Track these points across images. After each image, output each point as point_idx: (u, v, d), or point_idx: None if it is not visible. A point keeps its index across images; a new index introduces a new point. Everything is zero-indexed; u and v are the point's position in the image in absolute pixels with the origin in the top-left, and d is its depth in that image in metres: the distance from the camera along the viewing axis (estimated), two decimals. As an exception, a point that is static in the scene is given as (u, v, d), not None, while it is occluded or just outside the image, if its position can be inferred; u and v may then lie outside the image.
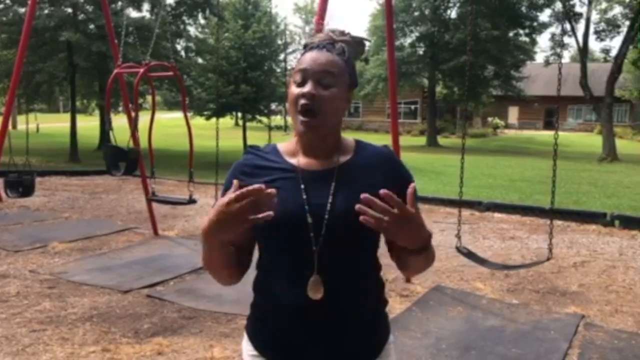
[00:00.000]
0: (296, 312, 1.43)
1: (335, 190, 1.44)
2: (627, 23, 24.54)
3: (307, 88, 1.41)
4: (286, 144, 1.57)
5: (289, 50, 27.36)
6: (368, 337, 1.52)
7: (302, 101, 1.41)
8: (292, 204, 1.42)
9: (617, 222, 8.47)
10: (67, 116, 22.80)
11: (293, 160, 1.51)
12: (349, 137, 1.57)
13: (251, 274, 1.57)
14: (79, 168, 15.23)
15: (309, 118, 1.42)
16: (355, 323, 1.47)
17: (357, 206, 1.24)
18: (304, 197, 1.43)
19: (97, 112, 25.87)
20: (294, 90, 1.44)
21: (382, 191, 1.24)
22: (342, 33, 1.50)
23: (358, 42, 1.52)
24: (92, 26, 18.70)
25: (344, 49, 1.47)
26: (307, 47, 1.51)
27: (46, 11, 17.60)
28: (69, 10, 18.39)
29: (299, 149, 1.52)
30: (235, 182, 1.30)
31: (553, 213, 4.87)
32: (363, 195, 1.24)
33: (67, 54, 18.10)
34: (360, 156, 1.52)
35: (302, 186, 1.45)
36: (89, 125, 26.88)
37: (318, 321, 1.43)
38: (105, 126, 7.02)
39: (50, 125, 33.71)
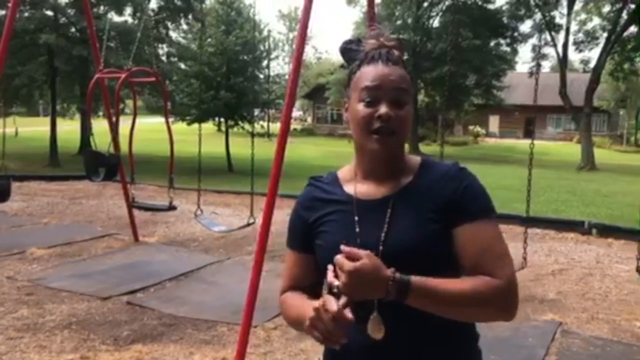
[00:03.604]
0: (362, 354, 1.32)
1: (391, 219, 1.32)
2: (605, 35, 25.02)
3: (383, 109, 1.30)
4: (346, 169, 1.47)
5: (272, 56, 27.34)
6: None
7: (378, 124, 1.31)
8: (344, 239, 1.30)
9: (594, 231, 8.59)
10: (46, 120, 22.55)
11: (350, 189, 1.41)
12: (416, 156, 1.45)
13: (230, 281, 1.58)
14: (58, 173, 15.05)
15: (385, 136, 1.32)
16: None
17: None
18: (357, 230, 1.33)
19: (77, 116, 25.60)
20: (363, 109, 1.32)
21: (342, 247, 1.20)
22: (389, 37, 1.38)
23: (403, 45, 1.42)
24: (73, 30, 18.56)
25: (401, 59, 1.37)
26: (355, 55, 1.39)
27: (26, 14, 17.43)
28: (50, 13, 18.23)
29: (359, 172, 1.42)
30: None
31: (531, 222, 4.93)
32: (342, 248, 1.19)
33: (47, 57, 17.93)
34: (422, 178, 1.37)
35: (356, 218, 1.35)
36: (69, 129, 26.58)
37: None
38: (86, 131, 6.99)
39: (30, 129, 33.26)
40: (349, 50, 1.41)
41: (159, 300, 5.14)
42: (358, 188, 1.39)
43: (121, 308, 4.89)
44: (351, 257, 1.18)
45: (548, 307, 5.30)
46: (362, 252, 1.19)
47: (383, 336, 1.25)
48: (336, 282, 1.19)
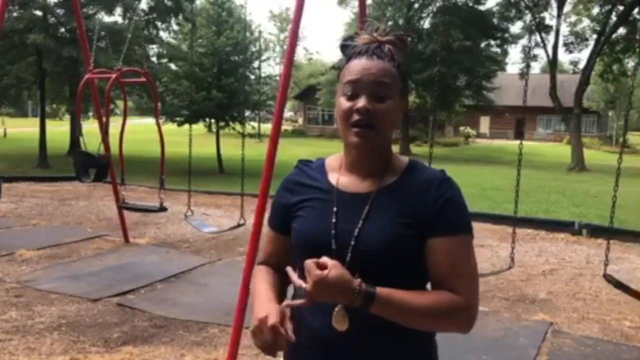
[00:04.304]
0: (326, 343, 1.34)
1: (367, 215, 1.34)
2: (595, 36, 25.19)
3: (362, 102, 1.31)
4: (334, 158, 1.49)
5: (263, 57, 27.31)
6: None
7: (356, 117, 1.32)
8: (319, 228, 1.36)
9: (584, 231, 8.64)
10: (35, 120, 22.41)
11: (334, 179, 1.42)
12: (404, 157, 1.45)
13: (222, 282, 1.57)
14: (48, 174, 14.95)
15: (364, 129, 1.32)
16: (388, 357, 1.36)
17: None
18: (333, 220, 1.35)
19: (67, 116, 25.47)
20: (345, 103, 1.34)
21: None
22: (385, 32, 1.38)
23: (404, 41, 1.39)
24: (62, 30, 18.44)
25: (392, 52, 1.36)
26: (348, 51, 1.39)
27: (15, 14, 17.30)
28: (39, 13, 18.11)
29: (344, 164, 1.43)
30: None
31: (521, 222, 4.95)
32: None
33: (36, 57, 17.80)
34: (407, 179, 1.38)
35: (335, 209, 1.36)
36: (58, 130, 26.45)
37: (348, 353, 1.34)
38: (76, 132, 6.95)
39: (18, 129, 33.05)
40: (346, 46, 1.41)
41: (149, 301, 5.11)
42: (341, 179, 1.41)
43: (111, 310, 4.85)
44: (320, 265, 1.21)
45: (539, 307, 5.33)
46: (330, 262, 1.21)
47: (346, 329, 1.29)
48: (304, 285, 1.22)
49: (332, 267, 1.21)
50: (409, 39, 1.43)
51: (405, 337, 1.34)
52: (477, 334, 4.63)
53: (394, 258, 1.31)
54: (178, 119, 18.39)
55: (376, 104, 1.32)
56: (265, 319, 1.23)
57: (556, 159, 26.96)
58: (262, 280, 1.45)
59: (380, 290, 1.24)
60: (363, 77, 1.32)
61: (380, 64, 1.33)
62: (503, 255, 7.20)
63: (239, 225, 6.10)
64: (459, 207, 1.35)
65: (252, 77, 20.86)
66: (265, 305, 1.30)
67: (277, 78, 23.52)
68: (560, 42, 26.59)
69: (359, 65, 1.33)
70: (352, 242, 1.31)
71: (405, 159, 1.44)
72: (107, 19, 19.65)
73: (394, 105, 1.34)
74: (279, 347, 1.23)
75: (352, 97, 1.33)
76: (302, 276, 1.26)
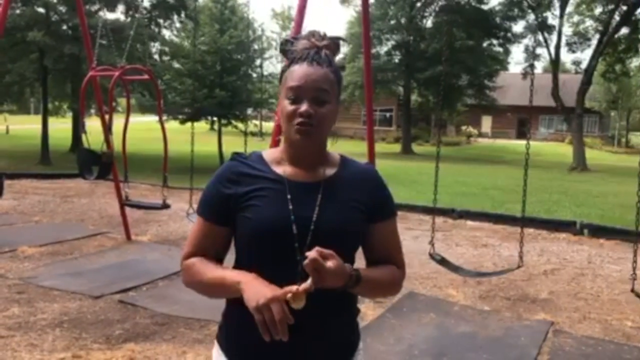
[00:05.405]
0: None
1: (322, 202, 1.47)
2: (597, 36, 25.14)
3: (304, 107, 1.43)
4: (271, 151, 1.58)
5: (266, 55, 27.34)
6: (341, 344, 1.55)
7: (299, 119, 1.44)
8: (278, 214, 1.45)
9: (586, 231, 8.64)
10: (38, 118, 22.43)
11: (279, 170, 1.52)
12: (334, 151, 1.60)
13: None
14: (50, 171, 14.96)
15: (306, 130, 1.44)
16: (331, 330, 1.49)
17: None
18: (290, 207, 1.45)
19: (69, 113, 25.50)
20: (289, 106, 1.45)
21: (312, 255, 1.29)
22: (322, 37, 1.50)
23: (337, 44, 1.53)
24: (64, 27, 18.43)
25: (329, 58, 1.49)
26: (288, 55, 1.50)
27: (18, 11, 17.28)
28: (42, 10, 18.09)
29: (286, 157, 1.53)
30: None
31: (524, 222, 4.96)
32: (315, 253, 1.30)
33: (38, 55, 17.80)
34: (345, 171, 1.56)
35: (289, 196, 1.46)
36: (61, 127, 26.47)
37: (297, 329, 1.36)
38: (79, 129, 6.95)
39: (21, 127, 33.10)
40: (286, 50, 1.53)
41: (151, 299, 5.12)
42: (287, 171, 1.52)
43: (113, 307, 4.86)
44: (322, 256, 1.31)
45: (540, 307, 5.33)
46: (327, 252, 1.32)
47: (302, 306, 1.33)
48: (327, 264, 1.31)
49: (332, 258, 1.32)
50: (341, 40, 1.55)
51: (346, 312, 1.55)
52: (478, 333, 4.64)
53: (349, 238, 1.49)
54: (180, 116, 18.39)
55: (317, 108, 1.44)
56: (278, 297, 1.28)
57: (558, 159, 26.93)
58: (209, 265, 1.52)
59: (362, 270, 1.45)
60: (305, 84, 1.44)
61: (319, 70, 1.45)
62: (505, 255, 7.21)
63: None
64: (390, 194, 1.60)
65: (255, 75, 20.85)
66: (267, 286, 1.34)
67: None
68: (563, 42, 26.57)
69: (300, 72, 1.45)
70: (312, 227, 1.44)
71: (336, 154, 1.60)
72: (109, 16, 19.64)
73: (332, 108, 1.48)
74: (280, 326, 1.27)
75: (295, 102, 1.45)
76: (261, 264, 1.42)
